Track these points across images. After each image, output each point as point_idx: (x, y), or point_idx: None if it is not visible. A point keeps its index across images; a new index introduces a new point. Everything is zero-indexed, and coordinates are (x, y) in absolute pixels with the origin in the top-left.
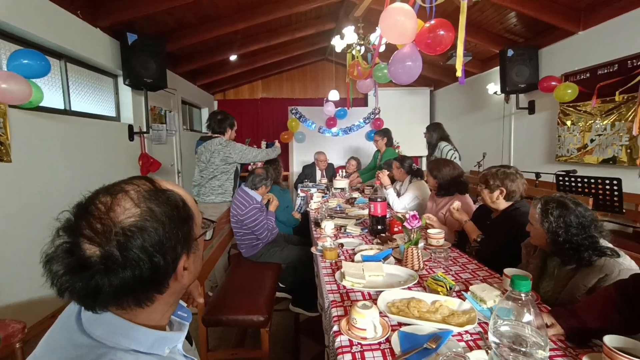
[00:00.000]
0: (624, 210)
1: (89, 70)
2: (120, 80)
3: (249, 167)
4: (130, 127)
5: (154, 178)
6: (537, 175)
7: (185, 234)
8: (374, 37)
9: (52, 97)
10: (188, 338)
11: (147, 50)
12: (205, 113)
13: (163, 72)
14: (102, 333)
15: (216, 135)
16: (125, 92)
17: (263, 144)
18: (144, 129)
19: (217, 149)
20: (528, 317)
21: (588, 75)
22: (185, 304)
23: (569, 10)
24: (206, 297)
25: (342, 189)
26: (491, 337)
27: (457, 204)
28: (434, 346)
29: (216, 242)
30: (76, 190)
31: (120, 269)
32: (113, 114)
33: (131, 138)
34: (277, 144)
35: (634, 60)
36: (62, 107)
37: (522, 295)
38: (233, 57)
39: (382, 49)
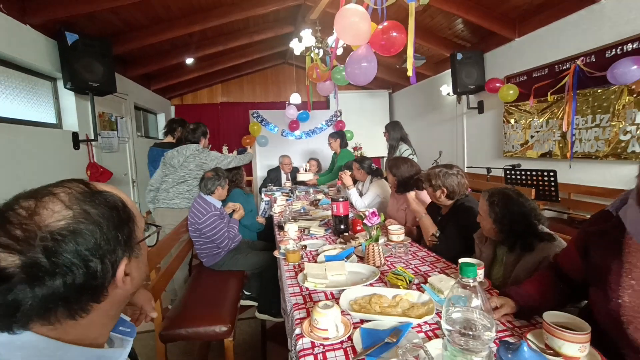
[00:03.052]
0: (559, 199)
1: (18, 72)
2: (61, 83)
3: None
4: (75, 134)
5: (88, 181)
6: (488, 170)
7: (125, 236)
8: (331, 40)
9: None
10: (133, 356)
11: (91, 52)
12: (161, 119)
13: (111, 76)
14: (21, 358)
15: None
16: (67, 96)
17: (224, 149)
18: (92, 137)
19: (193, 154)
20: (476, 301)
21: (525, 77)
22: (128, 318)
23: (505, 18)
24: (165, 311)
25: (306, 185)
26: (444, 325)
27: (413, 193)
28: (394, 340)
29: (175, 252)
30: None
31: (47, 277)
32: (53, 120)
33: (76, 146)
34: (249, 149)
35: (560, 65)
36: None
37: (470, 281)
38: (189, 61)
39: (339, 51)
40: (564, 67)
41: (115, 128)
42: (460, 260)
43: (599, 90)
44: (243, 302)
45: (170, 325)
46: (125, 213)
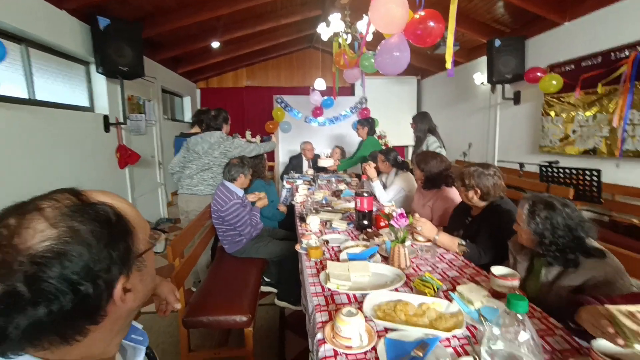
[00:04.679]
0: (602, 200)
1: (56, 57)
2: (93, 67)
3: None
4: (106, 117)
5: (82, 190)
6: (521, 165)
7: (121, 253)
8: (360, 26)
9: (12, 85)
10: (150, 356)
11: (121, 36)
12: (187, 102)
13: (140, 59)
14: None
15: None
16: (99, 80)
17: (248, 133)
18: (121, 120)
19: (217, 141)
20: (524, 335)
21: (572, 67)
22: (140, 326)
23: (555, 0)
24: (188, 293)
25: (327, 173)
26: (484, 356)
27: (416, 216)
28: (421, 354)
29: (198, 239)
30: (44, 189)
31: (29, 307)
32: (86, 103)
33: (107, 129)
34: (273, 138)
35: (617, 52)
36: (25, 96)
37: (519, 315)
38: (216, 44)
39: (369, 37)
40: (622, 55)
41: (143, 111)
42: (494, 270)
43: None
44: (263, 288)
45: (192, 312)
46: (120, 227)
